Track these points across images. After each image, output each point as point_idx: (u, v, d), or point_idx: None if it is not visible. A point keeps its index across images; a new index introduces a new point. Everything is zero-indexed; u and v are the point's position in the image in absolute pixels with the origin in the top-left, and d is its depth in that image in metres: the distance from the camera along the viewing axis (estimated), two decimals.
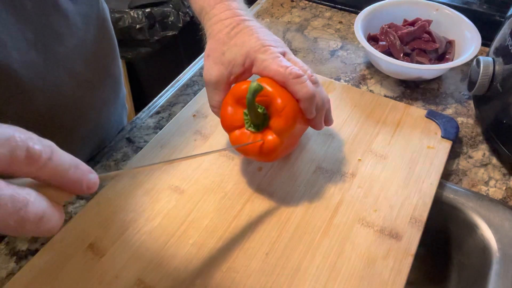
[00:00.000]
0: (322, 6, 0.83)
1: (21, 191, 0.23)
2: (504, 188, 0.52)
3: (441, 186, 0.51)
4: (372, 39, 0.68)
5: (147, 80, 1.44)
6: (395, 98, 0.63)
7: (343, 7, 0.82)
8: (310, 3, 0.84)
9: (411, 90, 0.65)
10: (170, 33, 1.31)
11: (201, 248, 0.44)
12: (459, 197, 0.51)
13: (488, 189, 0.52)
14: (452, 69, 0.67)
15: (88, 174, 0.27)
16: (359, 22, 0.66)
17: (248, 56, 0.44)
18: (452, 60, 0.64)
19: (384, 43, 0.65)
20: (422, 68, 0.61)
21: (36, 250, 0.45)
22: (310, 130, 0.52)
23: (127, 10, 1.27)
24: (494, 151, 0.56)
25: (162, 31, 1.30)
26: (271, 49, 0.44)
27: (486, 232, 0.48)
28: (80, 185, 0.26)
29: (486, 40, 0.62)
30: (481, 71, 0.53)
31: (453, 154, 0.56)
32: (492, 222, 0.48)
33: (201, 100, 0.60)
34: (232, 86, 0.46)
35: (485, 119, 0.57)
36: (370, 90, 0.65)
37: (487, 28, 0.63)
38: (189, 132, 0.56)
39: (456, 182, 0.53)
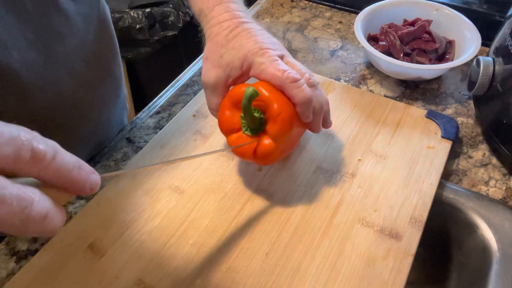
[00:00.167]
0: (322, 6, 0.83)
1: (26, 190, 0.23)
2: (504, 188, 0.52)
3: (441, 186, 0.51)
4: (372, 39, 0.68)
5: (147, 80, 1.44)
6: (395, 98, 0.63)
7: (343, 7, 0.82)
8: (310, 3, 0.84)
9: (411, 90, 0.65)
10: (170, 33, 1.31)
11: (201, 248, 0.44)
12: (459, 197, 0.51)
13: (488, 189, 0.52)
14: (452, 69, 0.67)
15: (91, 175, 0.27)
16: (359, 22, 0.66)
17: (245, 59, 0.44)
18: (452, 60, 0.64)
19: (384, 43, 0.65)
20: (422, 68, 0.61)
21: (36, 250, 0.45)
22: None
23: (127, 10, 1.27)
24: (494, 151, 0.56)
25: (162, 31, 1.30)
26: (268, 52, 0.44)
27: (486, 232, 0.48)
28: (83, 185, 0.26)
29: (486, 40, 0.62)
30: (481, 71, 0.53)
31: (453, 154, 0.56)
32: (492, 222, 0.48)
33: (201, 100, 0.60)
34: (230, 88, 0.46)
35: (485, 119, 0.57)
36: (370, 90, 0.65)
37: (487, 28, 0.63)
38: (189, 132, 0.56)
39: (456, 182, 0.53)
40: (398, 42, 0.64)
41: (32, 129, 0.25)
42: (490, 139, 0.57)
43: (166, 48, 1.33)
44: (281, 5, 0.84)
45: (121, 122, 0.67)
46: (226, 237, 0.45)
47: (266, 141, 0.44)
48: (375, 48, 0.64)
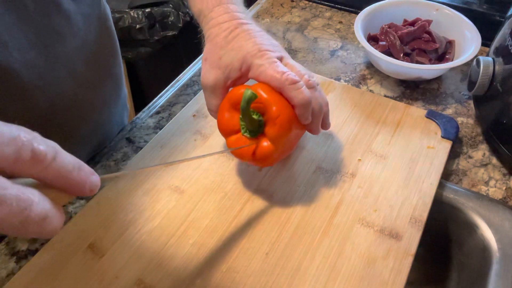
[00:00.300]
0: (322, 6, 0.83)
1: (26, 191, 0.23)
2: (504, 188, 0.53)
3: (441, 186, 0.51)
4: (372, 39, 0.68)
5: (147, 80, 1.44)
6: (395, 98, 0.63)
7: (343, 7, 0.82)
8: (310, 3, 0.84)
9: (411, 90, 0.65)
10: (170, 33, 1.31)
11: (201, 248, 0.44)
12: (459, 197, 0.51)
13: (488, 189, 0.52)
14: (452, 69, 0.67)
15: (91, 176, 0.27)
16: (359, 22, 0.66)
17: (244, 61, 0.44)
18: (452, 60, 0.65)
19: (384, 43, 0.65)
20: (422, 68, 0.61)
21: (36, 250, 0.45)
22: None
23: (127, 10, 1.27)
24: (494, 151, 0.56)
25: (162, 31, 1.30)
26: (268, 54, 0.44)
27: (486, 232, 0.48)
28: (82, 186, 0.26)
29: (486, 40, 0.62)
30: (481, 71, 0.53)
31: (453, 154, 0.56)
32: (492, 222, 0.48)
33: (201, 100, 0.60)
34: (229, 90, 0.46)
35: (485, 119, 0.57)
36: (370, 90, 0.65)
37: (487, 28, 0.63)
38: (189, 132, 0.56)
39: (456, 182, 0.53)
40: (398, 42, 0.64)
41: (33, 129, 0.25)
42: (490, 139, 0.57)
43: (166, 48, 1.33)
44: (281, 5, 0.84)
45: (121, 122, 0.67)
46: (226, 237, 0.45)
47: (265, 143, 0.44)
48: (375, 48, 0.64)
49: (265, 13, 0.82)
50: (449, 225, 0.53)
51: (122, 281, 0.42)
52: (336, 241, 0.45)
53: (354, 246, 0.44)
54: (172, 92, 0.66)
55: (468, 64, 0.60)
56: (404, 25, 0.68)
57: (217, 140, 0.55)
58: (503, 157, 0.55)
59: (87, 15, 0.51)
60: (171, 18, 1.30)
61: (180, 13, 1.31)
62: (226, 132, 0.46)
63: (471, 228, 0.49)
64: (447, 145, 0.54)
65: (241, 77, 0.46)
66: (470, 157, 0.56)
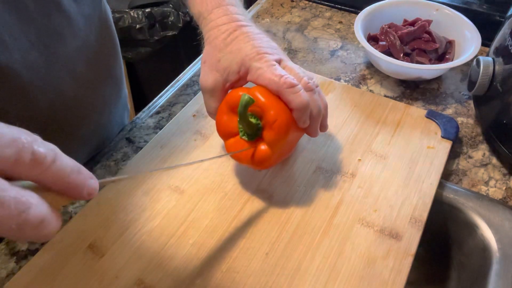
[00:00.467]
0: (322, 6, 0.83)
1: (25, 193, 0.23)
2: (504, 188, 0.53)
3: (441, 186, 0.51)
4: (372, 39, 0.68)
5: (147, 80, 1.44)
6: (395, 98, 0.63)
7: (343, 7, 0.82)
8: (310, 3, 0.84)
9: (411, 90, 0.65)
10: (170, 33, 1.31)
11: (201, 248, 0.44)
12: (459, 197, 0.51)
13: (488, 189, 0.52)
14: (452, 69, 0.67)
15: (89, 180, 0.26)
16: (359, 22, 0.66)
17: (243, 64, 0.44)
18: (452, 60, 0.65)
19: (384, 43, 0.65)
20: (422, 68, 0.61)
21: (36, 250, 0.45)
22: None
23: (127, 10, 1.27)
24: (494, 151, 0.56)
25: (162, 31, 1.30)
26: (266, 56, 0.43)
27: (486, 232, 0.48)
28: (81, 190, 0.26)
29: (486, 40, 0.62)
30: (481, 71, 0.53)
31: (453, 154, 0.56)
32: (492, 222, 0.48)
33: (201, 100, 0.60)
34: (228, 92, 0.46)
35: (485, 119, 0.57)
36: (370, 90, 0.65)
37: (487, 28, 0.63)
38: (189, 132, 0.56)
39: (456, 182, 0.53)
40: (398, 42, 0.64)
41: (33, 129, 0.25)
42: (490, 139, 0.57)
43: (166, 48, 1.33)
44: (281, 5, 0.84)
45: (122, 122, 0.67)
46: (226, 237, 0.45)
47: (263, 147, 0.44)
48: (375, 48, 0.64)
49: (265, 13, 0.82)
50: (449, 225, 0.53)
51: (122, 281, 0.42)
52: (336, 241, 0.45)
53: (354, 246, 0.44)
54: (172, 92, 0.66)
55: (468, 64, 0.60)
56: (404, 25, 0.68)
57: (217, 140, 0.55)
58: (503, 157, 0.55)
59: (87, 15, 0.51)
60: (171, 18, 1.30)
61: (180, 13, 1.31)
62: (224, 134, 0.46)
63: (471, 228, 0.49)
64: (447, 145, 0.54)
65: (240, 80, 0.45)
66: (470, 157, 0.56)
